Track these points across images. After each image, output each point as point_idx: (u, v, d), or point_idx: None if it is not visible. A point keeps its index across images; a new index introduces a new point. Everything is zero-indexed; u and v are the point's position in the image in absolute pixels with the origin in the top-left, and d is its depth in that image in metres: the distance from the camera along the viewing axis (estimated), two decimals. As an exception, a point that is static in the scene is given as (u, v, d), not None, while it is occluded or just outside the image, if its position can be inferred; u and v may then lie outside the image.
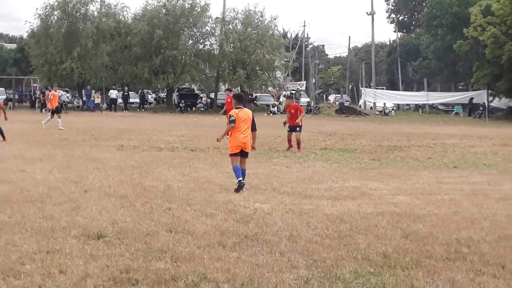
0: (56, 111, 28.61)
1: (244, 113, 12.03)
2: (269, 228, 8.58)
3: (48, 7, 54.99)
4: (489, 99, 56.45)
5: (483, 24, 52.43)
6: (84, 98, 56.00)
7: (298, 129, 20.79)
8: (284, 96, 64.02)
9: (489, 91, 56.02)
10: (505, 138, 28.36)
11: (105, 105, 56.76)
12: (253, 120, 12.53)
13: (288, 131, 21.15)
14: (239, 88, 62.89)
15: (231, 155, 11.97)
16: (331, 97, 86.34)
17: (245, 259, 6.99)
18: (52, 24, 54.24)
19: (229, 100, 24.63)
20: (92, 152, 18.60)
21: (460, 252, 7.48)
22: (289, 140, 21.09)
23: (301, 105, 27.67)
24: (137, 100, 62.96)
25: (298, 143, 20.65)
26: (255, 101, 62.39)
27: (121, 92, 59.46)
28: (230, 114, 11.98)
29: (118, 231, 8.19)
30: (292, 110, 21.28)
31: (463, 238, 8.20)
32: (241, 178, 11.65)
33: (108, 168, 14.88)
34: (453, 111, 65.00)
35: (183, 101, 58.21)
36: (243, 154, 12.04)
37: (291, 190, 12.06)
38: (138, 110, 57.05)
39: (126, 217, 9.06)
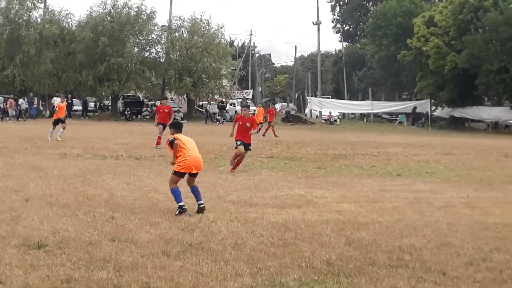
0: (61, 121, 26.61)
1: (185, 138, 10.90)
2: (214, 237, 8.54)
3: (-11, 13, 53.87)
4: (432, 109, 57.59)
5: (426, 34, 53.63)
6: (27, 106, 54.87)
7: (250, 147, 17.77)
8: (231, 105, 64.09)
9: (432, 100, 57.20)
10: (447, 147, 28.92)
11: (48, 112, 55.73)
12: None
13: (239, 146, 17.30)
14: (185, 96, 62.75)
15: (176, 173, 10.59)
16: (277, 106, 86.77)
17: (189, 268, 6.94)
18: (-6, 31, 53.16)
19: (160, 110, 25.33)
20: (34, 160, 18.23)
21: (402, 259, 7.57)
22: (235, 157, 17.49)
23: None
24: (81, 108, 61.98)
25: (239, 160, 17.46)
26: (226, 110, 62.17)
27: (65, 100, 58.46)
28: (168, 138, 10.80)
29: (59, 241, 8.02)
30: (247, 124, 17.45)
31: (405, 245, 8.31)
32: (182, 203, 10.39)
33: (50, 176, 14.60)
34: (397, 120, 66.19)
35: (128, 109, 57.66)
36: (192, 174, 10.77)
37: (237, 199, 12.04)
38: (81, 118, 56.17)
39: (68, 226, 8.89)
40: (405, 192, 13.71)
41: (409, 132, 49.03)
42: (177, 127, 11.20)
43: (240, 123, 17.60)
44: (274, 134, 35.82)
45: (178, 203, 10.30)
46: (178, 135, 10.75)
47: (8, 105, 47.80)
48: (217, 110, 60.75)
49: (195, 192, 10.64)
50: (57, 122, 26.40)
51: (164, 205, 10.92)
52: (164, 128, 23.57)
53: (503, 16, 47.75)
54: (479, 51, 48.28)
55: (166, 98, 31.49)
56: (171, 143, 10.57)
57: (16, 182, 13.36)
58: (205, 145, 23.71)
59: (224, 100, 65.76)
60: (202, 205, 10.40)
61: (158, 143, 23.80)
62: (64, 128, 26.36)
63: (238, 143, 17.29)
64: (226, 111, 61.52)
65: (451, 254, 7.95)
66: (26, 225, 8.91)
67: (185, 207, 10.24)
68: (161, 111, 25.25)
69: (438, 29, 53.29)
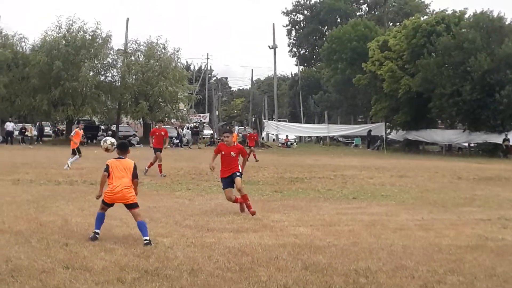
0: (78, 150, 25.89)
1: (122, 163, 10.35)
2: (170, 263, 8.47)
3: None
4: (387, 131, 58.33)
5: (380, 58, 54.54)
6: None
7: (238, 173, 13.85)
8: (194, 128, 63.83)
9: (387, 123, 57.94)
10: (402, 169, 29.25)
11: (0, 138, 54.91)
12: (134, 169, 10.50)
13: (224, 190, 14.03)
14: (141, 120, 62.42)
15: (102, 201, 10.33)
16: (235, 129, 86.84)
17: (144, 295, 6.85)
18: None
19: (156, 133, 24.21)
20: (-14, 187, 17.88)
21: (358, 283, 7.61)
22: (235, 199, 13.99)
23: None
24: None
25: (243, 196, 13.73)
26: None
27: (18, 125, 57.60)
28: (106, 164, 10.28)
29: (12, 269, 7.86)
30: (232, 153, 13.90)
31: (361, 268, 8.35)
32: (98, 230, 10.16)
33: (3, 203, 14.32)
34: (353, 143, 66.87)
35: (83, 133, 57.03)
36: (127, 206, 10.29)
37: (193, 223, 11.97)
38: (36, 143, 55.35)
39: (21, 254, 8.72)
40: (361, 215, 13.81)
41: (364, 155, 49.51)
42: (121, 148, 10.76)
43: (223, 152, 13.93)
44: (255, 158, 35.12)
45: (94, 228, 10.18)
46: (111, 162, 10.29)
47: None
48: (174, 133, 60.65)
49: (141, 228, 9.98)
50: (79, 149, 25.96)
51: (119, 231, 10.79)
52: (160, 151, 23.37)
53: (455, 40, 48.78)
54: (432, 75, 49.18)
55: (162, 121, 30.39)
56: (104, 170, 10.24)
57: (-33, 209, 13.08)
58: (163, 169, 23.54)
59: (198, 124, 65.57)
60: (146, 241, 9.74)
61: (160, 171, 23.19)
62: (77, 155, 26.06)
63: (223, 184, 14.01)
64: (183, 135, 61.38)
65: (406, 277, 8.01)
66: (-23, 254, 8.72)
67: (97, 234, 10.04)
68: (157, 133, 24.16)
69: (392, 53, 54.22)
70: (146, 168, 22.99)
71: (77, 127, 27.60)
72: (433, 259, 9.14)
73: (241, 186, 13.63)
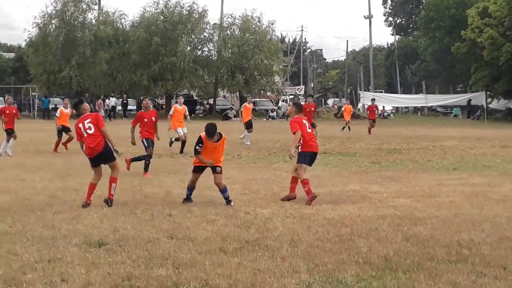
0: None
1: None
2: (270, 233, 8.58)
3: (46, 16, 55.07)
4: (488, 101, 56.57)
5: (480, 26, 52.62)
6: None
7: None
8: (283, 101, 63.92)
9: (488, 92, 56.19)
10: (504, 139, 28.37)
11: (102, 112, 56.71)
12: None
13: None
14: (238, 93, 62.98)
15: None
16: (330, 101, 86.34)
17: (246, 265, 6.98)
18: (50, 33, 54.36)
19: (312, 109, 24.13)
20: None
21: (461, 254, 7.48)
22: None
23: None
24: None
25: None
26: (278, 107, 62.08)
27: (120, 100, 59.29)
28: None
29: (119, 239, 8.17)
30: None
31: (464, 240, 8.20)
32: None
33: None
34: (452, 113, 65.17)
35: (182, 107, 58.01)
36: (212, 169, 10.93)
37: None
38: (122, 118, 56.74)
39: (127, 225, 9.05)
40: (462, 186, 13.52)
41: (464, 125, 48.25)
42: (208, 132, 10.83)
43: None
44: (369, 131, 33.87)
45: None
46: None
47: (97, 106, 48.85)
48: (270, 107, 60.95)
49: (223, 191, 11.01)
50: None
51: (220, 202, 10.99)
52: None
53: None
54: (536, 41, 47.19)
55: (312, 96, 28.72)
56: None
57: (76, 182, 13.66)
58: (258, 142, 23.77)
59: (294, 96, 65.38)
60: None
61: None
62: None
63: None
64: (279, 108, 61.54)
65: (511, 248, 7.82)
66: (87, 224, 9.11)
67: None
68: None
69: (492, 20, 52.24)
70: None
71: (176, 102, 25.59)
72: (539, 230, 8.87)
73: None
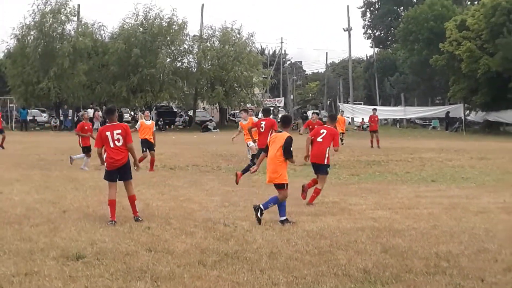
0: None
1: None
2: (249, 246, 8.57)
3: (24, 27, 54.77)
4: (466, 113, 57.00)
5: (458, 38, 53.09)
6: (62, 118, 55.76)
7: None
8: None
9: (466, 105, 56.60)
10: (482, 151, 28.58)
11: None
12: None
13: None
14: (217, 105, 62.97)
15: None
16: (309, 113, 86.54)
17: (225, 277, 6.97)
18: (29, 44, 54.06)
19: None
20: (70, 172, 18.47)
21: (439, 266, 7.52)
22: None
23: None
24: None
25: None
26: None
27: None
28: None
29: (97, 252, 8.12)
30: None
31: (442, 252, 8.24)
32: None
33: (87, 188, 14.78)
34: (430, 125, 65.58)
35: (161, 119, 58.04)
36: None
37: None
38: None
39: (105, 237, 8.99)
40: (440, 198, 13.61)
41: (443, 137, 48.60)
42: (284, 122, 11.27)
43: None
44: (378, 144, 31.88)
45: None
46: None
47: (94, 118, 48.50)
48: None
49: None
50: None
51: (199, 215, 10.98)
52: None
53: (536, 18, 47.13)
54: (513, 54, 47.67)
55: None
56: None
57: (53, 194, 13.56)
58: (238, 153, 23.79)
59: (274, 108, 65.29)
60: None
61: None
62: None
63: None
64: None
65: (489, 260, 7.87)
66: (64, 237, 9.04)
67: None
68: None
69: (470, 33, 52.74)
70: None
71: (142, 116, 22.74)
72: (516, 242, 8.94)
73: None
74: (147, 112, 22.25)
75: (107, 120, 10.92)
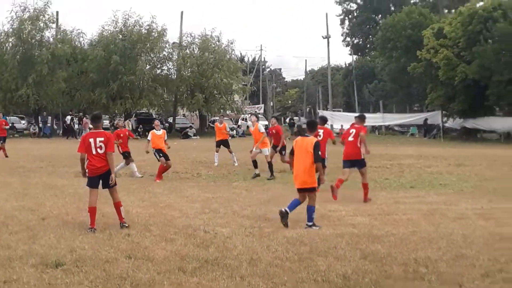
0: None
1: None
2: (229, 252, 8.58)
3: (2, 34, 54.42)
4: (444, 120, 57.40)
5: (436, 46, 53.53)
6: (41, 125, 55.38)
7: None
8: (243, 120, 64.02)
9: (443, 112, 56.98)
10: (460, 158, 28.79)
11: (61, 131, 56.12)
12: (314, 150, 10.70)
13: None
14: (197, 112, 62.91)
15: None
16: (296, 119, 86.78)
17: (205, 284, 6.98)
18: (7, 51, 53.74)
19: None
20: (49, 179, 18.37)
21: (418, 272, 7.59)
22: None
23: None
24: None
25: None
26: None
27: (77, 118, 58.66)
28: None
29: (76, 259, 8.10)
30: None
31: (421, 257, 8.31)
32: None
33: (66, 195, 14.72)
34: (409, 132, 65.97)
35: (141, 126, 57.78)
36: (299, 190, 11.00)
37: (251, 214, 12.08)
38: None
39: (85, 245, 8.97)
40: (419, 204, 13.71)
41: (421, 143, 48.88)
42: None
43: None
44: None
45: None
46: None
47: (83, 125, 48.04)
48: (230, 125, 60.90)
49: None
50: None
51: (179, 221, 10.98)
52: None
53: (512, 26, 47.65)
54: (489, 62, 48.10)
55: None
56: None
57: (32, 201, 13.49)
58: (218, 160, 23.79)
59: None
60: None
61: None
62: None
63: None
64: (238, 126, 61.71)
65: (467, 266, 7.95)
66: (43, 244, 9.00)
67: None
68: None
69: (447, 41, 53.19)
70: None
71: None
72: (494, 248, 9.04)
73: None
74: (157, 122, 21.99)
75: (91, 126, 10.93)
